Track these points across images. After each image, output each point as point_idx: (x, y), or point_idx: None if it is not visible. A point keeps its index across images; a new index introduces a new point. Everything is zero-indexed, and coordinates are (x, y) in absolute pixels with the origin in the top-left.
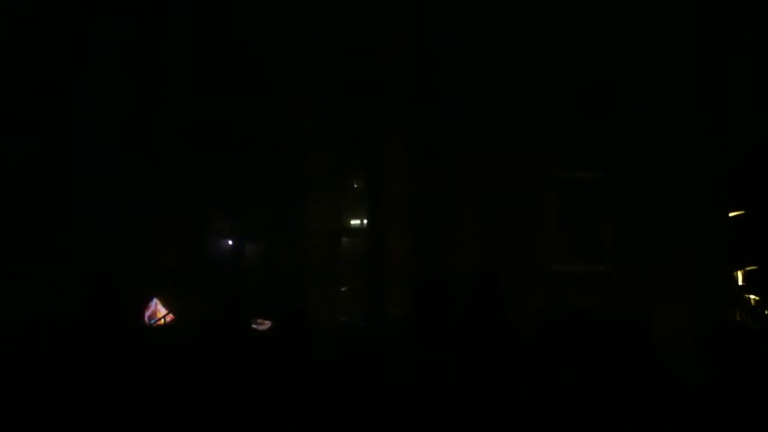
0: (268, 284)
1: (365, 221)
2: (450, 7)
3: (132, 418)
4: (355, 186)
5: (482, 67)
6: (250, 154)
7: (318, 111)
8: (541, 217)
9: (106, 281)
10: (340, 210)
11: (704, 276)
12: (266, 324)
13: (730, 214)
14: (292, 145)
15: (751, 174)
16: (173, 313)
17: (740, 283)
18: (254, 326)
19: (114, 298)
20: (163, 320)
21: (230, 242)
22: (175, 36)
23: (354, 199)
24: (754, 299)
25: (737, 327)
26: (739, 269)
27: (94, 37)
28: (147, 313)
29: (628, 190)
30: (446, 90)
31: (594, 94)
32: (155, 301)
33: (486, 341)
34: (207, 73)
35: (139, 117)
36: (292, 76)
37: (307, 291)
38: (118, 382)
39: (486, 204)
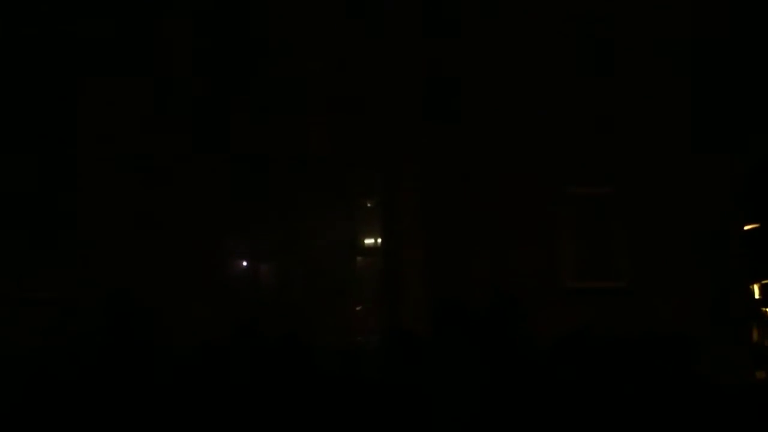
0: (282, 304)
1: (379, 240)
2: (459, 28)
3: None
4: (369, 205)
5: (494, 87)
6: (262, 173)
7: (332, 131)
8: (556, 234)
9: (122, 304)
10: (354, 229)
11: (720, 289)
12: None
13: (746, 227)
14: (306, 164)
15: (766, 187)
16: None
17: (757, 296)
18: None
19: (131, 320)
20: None
21: (244, 263)
22: (185, 54)
23: (367, 218)
24: None
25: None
26: (756, 282)
27: (99, 53)
28: None
29: (641, 204)
30: (459, 111)
31: (602, 109)
32: None
33: (504, 361)
34: (218, 91)
35: (147, 136)
36: (305, 95)
37: (322, 310)
38: (137, 405)
39: (500, 222)
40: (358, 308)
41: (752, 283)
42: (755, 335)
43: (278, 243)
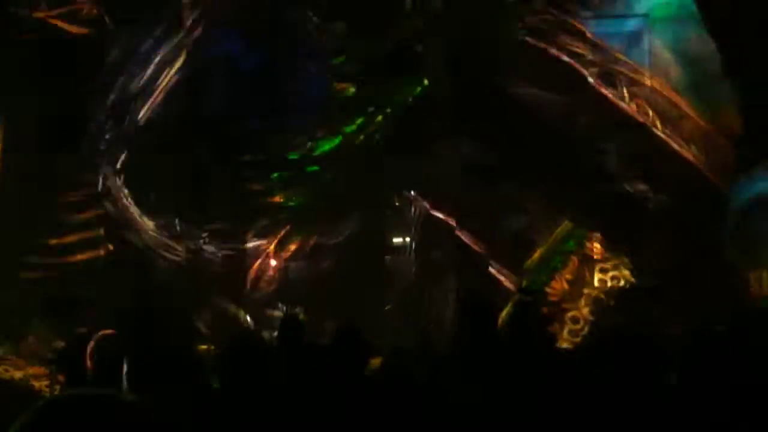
0: (312, 304)
1: (407, 239)
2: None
3: None
4: (397, 204)
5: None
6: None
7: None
8: (587, 233)
9: (145, 304)
10: (383, 228)
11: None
12: None
13: None
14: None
15: None
16: None
17: None
18: None
19: (154, 320)
20: None
21: (273, 262)
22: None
23: (396, 217)
24: None
25: None
26: None
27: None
28: None
29: (673, 203)
30: (487, 105)
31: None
32: None
33: (533, 361)
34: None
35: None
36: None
37: (352, 310)
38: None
39: (531, 218)
40: (387, 308)
41: None
42: None
43: (308, 243)
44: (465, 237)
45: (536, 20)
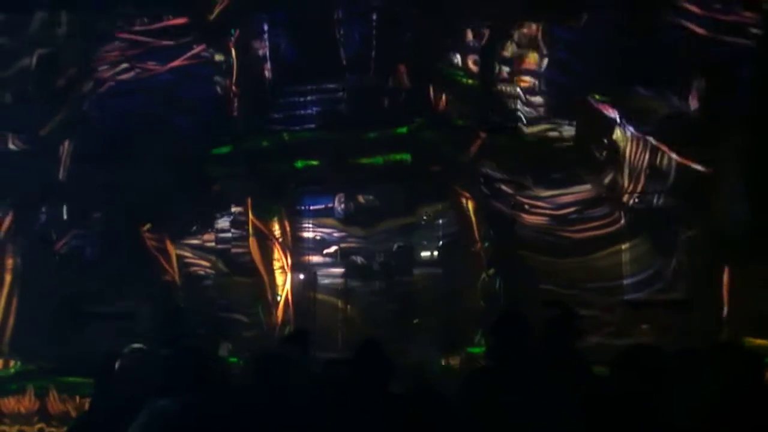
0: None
1: (435, 253)
2: None
3: None
4: (425, 218)
5: None
6: None
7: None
8: (615, 244)
9: (177, 319)
10: (410, 241)
11: None
12: None
13: None
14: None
15: None
16: None
17: None
18: None
19: (185, 335)
20: None
21: (301, 276)
22: None
23: (424, 230)
24: None
25: None
26: None
27: None
28: None
29: (702, 214)
30: (509, 115)
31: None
32: None
33: (564, 374)
34: None
35: None
36: None
37: (379, 323)
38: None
39: (557, 231)
40: (415, 321)
41: None
42: None
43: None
44: None
45: None
